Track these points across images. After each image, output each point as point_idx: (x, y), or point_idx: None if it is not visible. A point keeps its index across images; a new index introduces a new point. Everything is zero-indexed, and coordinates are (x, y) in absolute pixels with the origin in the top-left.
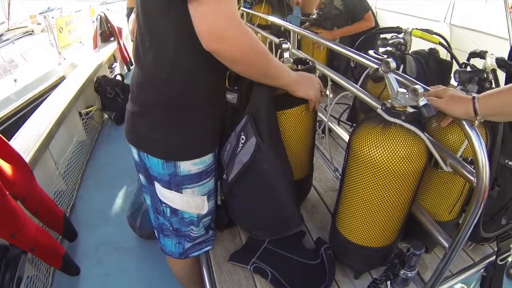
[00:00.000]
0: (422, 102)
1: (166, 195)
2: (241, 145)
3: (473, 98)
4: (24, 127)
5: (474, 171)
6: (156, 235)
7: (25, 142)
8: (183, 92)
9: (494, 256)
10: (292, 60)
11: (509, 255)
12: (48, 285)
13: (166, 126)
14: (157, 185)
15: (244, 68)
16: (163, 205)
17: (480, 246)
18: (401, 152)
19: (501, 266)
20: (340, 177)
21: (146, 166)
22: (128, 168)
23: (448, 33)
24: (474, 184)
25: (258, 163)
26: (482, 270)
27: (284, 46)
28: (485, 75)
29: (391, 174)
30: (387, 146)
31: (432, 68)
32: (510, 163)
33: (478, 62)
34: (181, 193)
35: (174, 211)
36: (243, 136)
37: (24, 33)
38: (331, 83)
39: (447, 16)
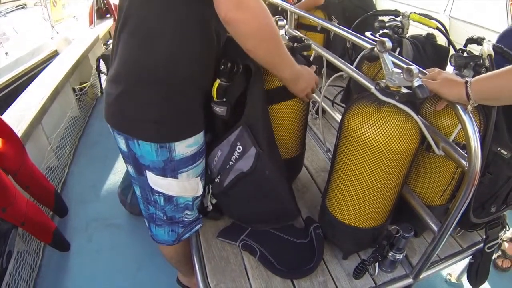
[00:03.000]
0: (416, 82)
1: (160, 183)
2: (238, 154)
3: (466, 82)
4: (17, 101)
5: (466, 155)
6: (147, 224)
7: (17, 116)
8: (179, 70)
9: (482, 244)
10: (287, 38)
11: (497, 243)
12: (38, 261)
13: (160, 104)
14: (149, 174)
15: (255, 44)
16: (156, 194)
17: (468, 233)
18: (394, 131)
19: (488, 254)
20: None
21: (136, 155)
22: None
23: (448, 25)
24: (466, 168)
25: (259, 171)
26: (470, 257)
27: (280, 23)
28: (481, 61)
29: (383, 154)
30: (379, 125)
31: (429, 53)
32: (502, 151)
33: (475, 51)
34: (177, 178)
35: (169, 198)
36: (239, 147)
37: (17, 7)
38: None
39: (447, 8)
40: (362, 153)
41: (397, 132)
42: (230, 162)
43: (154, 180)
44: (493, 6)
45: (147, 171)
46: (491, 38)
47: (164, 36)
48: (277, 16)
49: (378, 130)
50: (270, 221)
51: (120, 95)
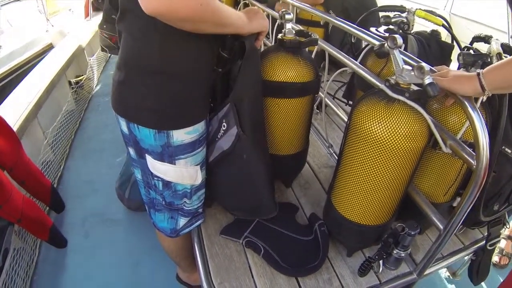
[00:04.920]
0: (427, 80)
1: (159, 168)
2: (222, 131)
3: (478, 74)
4: (13, 95)
5: (474, 153)
6: (147, 210)
7: (13, 110)
8: (174, 60)
9: (484, 241)
10: (294, 32)
11: (499, 240)
12: (35, 258)
13: (157, 93)
14: (149, 158)
15: (194, 27)
16: (155, 178)
17: (470, 230)
18: (403, 129)
19: (490, 251)
20: (334, 153)
21: (136, 138)
22: (118, 138)
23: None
24: (474, 167)
25: (237, 152)
26: (471, 254)
27: (287, 16)
28: (489, 60)
29: (392, 151)
30: (389, 122)
31: (433, 49)
32: (506, 149)
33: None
34: (174, 164)
35: (167, 184)
36: (224, 124)
37: None
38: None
39: (447, 5)
40: (371, 150)
41: (406, 129)
42: (216, 139)
43: (153, 164)
44: (493, 3)
45: (146, 155)
46: (491, 35)
47: (157, 31)
48: (284, 10)
49: (389, 127)
50: (245, 210)
51: (121, 82)
